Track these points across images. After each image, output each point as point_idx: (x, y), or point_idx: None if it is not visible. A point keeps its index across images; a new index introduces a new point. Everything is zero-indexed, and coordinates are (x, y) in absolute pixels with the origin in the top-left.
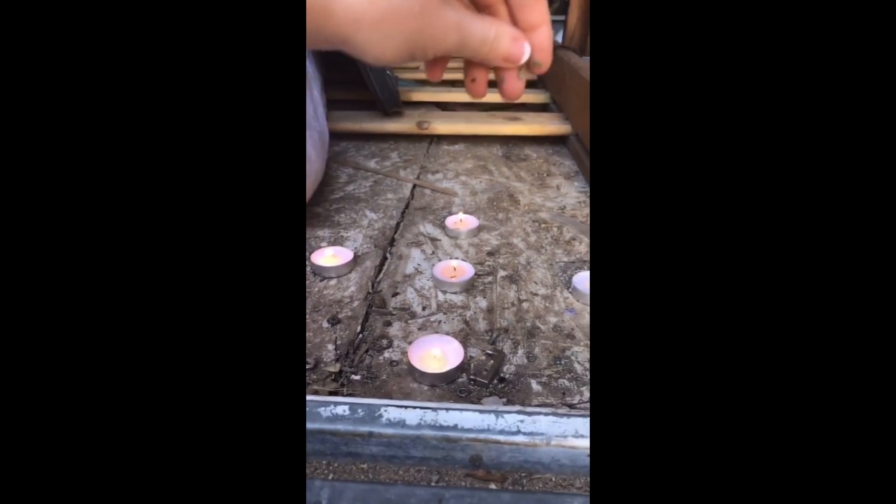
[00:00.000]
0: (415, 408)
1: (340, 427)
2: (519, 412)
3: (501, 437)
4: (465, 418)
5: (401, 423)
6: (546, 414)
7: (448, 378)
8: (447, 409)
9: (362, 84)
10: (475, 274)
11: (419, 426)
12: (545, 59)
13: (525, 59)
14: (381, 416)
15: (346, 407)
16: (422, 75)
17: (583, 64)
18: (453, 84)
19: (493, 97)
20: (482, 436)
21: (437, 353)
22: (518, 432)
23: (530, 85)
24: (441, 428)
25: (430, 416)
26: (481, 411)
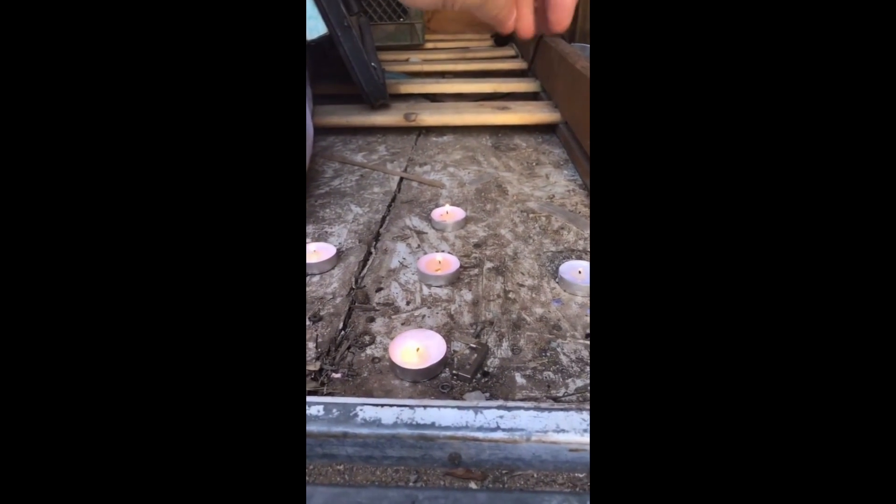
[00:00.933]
0: (391, 406)
1: (314, 428)
2: (499, 407)
3: (480, 434)
4: (442, 416)
5: (376, 423)
6: (527, 409)
7: (430, 373)
8: (424, 407)
9: (348, 78)
10: (461, 267)
11: (395, 425)
12: (562, 19)
13: (529, 35)
14: (356, 415)
15: (321, 407)
16: (410, 67)
17: (571, 50)
18: (442, 75)
19: (481, 87)
20: (460, 433)
21: (419, 349)
22: (497, 429)
23: (519, 74)
24: (418, 426)
25: (406, 415)
26: (460, 408)
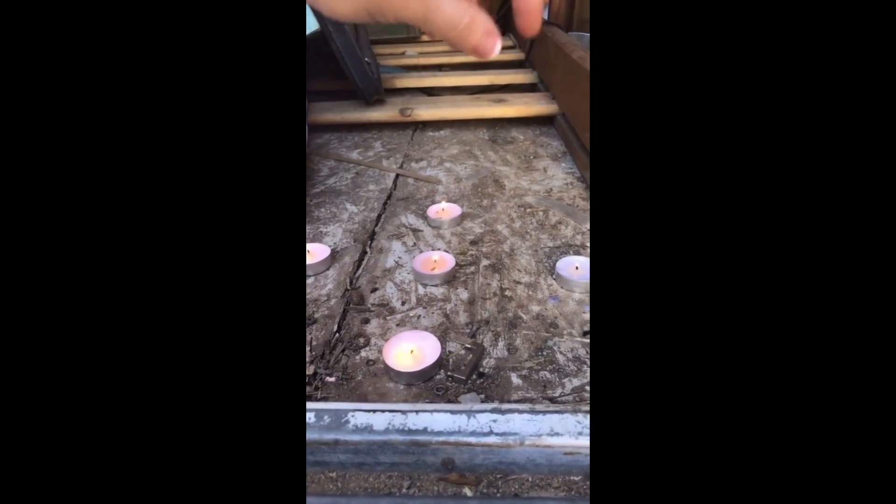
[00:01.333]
0: (382, 411)
1: (306, 436)
2: (493, 411)
3: (473, 439)
4: (435, 420)
5: (368, 429)
6: (521, 412)
7: (424, 376)
8: (417, 412)
9: (342, 73)
10: (457, 265)
11: (387, 431)
12: (532, 25)
13: (495, 55)
14: (347, 422)
15: (312, 414)
16: (406, 61)
17: (567, 40)
18: (439, 68)
19: (478, 79)
20: (452, 438)
21: (413, 350)
22: (490, 433)
23: (516, 65)
24: (410, 432)
25: (398, 420)
26: (452, 412)
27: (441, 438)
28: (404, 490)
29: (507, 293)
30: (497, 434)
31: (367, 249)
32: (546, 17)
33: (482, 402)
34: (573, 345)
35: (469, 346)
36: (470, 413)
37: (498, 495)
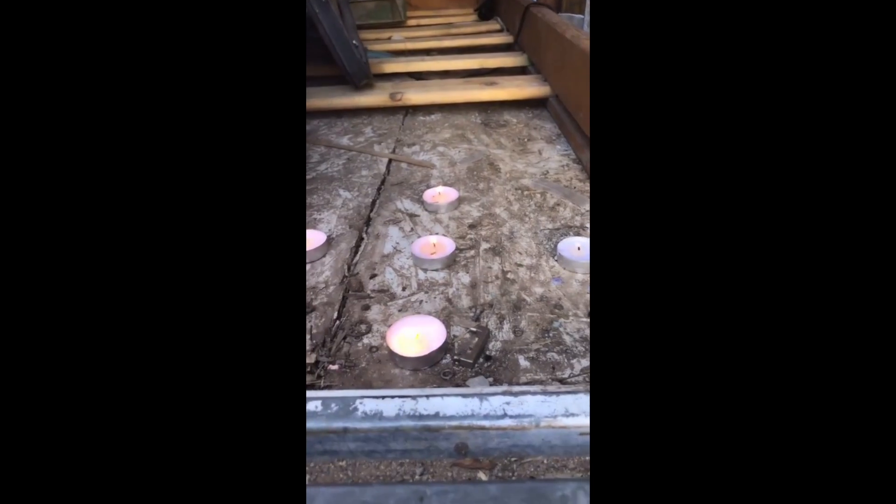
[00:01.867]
0: (392, 397)
1: (313, 425)
2: (505, 393)
3: (487, 423)
4: (446, 405)
5: (378, 416)
6: (534, 393)
7: (430, 361)
8: (427, 396)
9: (329, 59)
10: (456, 249)
11: (397, 417)
12: None
13: None
14: (356, 409)
15: (319, 402)
16: (393, 46)
17: (558, 20)
18: (427, 53)
19: (467, 63)
20: (466, 422)
21: (418, 335)
22: (504, 416)
23: (505, 48)
24: (421, 417)
25: (408, 406)
26: (464, 395)
27: (454, 423)
28: (417, 477)
29: (510, 276)
30: (511, 416)
31: (364, 235)
32: None
33: (491, 385)
34: (579, 325)
35: (474, 329)
36: (482, 396)
37: (514, 478)
